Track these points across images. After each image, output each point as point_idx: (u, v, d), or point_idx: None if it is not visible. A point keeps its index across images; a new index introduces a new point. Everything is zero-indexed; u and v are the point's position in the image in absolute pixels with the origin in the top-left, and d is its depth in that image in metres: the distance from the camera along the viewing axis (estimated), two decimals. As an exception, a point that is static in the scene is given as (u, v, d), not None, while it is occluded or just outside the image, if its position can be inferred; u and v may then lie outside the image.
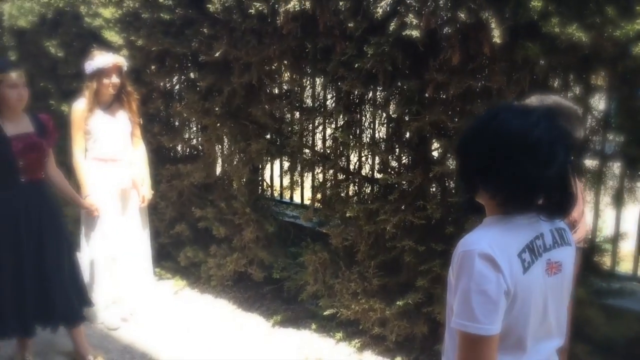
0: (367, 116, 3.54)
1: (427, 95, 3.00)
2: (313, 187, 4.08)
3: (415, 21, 2.74)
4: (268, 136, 3.92)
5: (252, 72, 3.61)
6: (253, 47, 3.48)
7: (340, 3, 2.98)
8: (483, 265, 1.29)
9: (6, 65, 3.06)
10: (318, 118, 3.86)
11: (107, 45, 3.99)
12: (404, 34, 2.77)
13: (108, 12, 4.11)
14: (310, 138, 3.93)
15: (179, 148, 4.68)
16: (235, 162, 4.07)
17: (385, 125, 3.45)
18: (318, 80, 3.87)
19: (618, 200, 2.80)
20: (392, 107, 3.27)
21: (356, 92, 3.41)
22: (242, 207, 4.00)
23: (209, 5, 3.48)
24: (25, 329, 3.16)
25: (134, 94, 3.79)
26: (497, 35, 2.54)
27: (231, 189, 4.16)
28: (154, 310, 4.05)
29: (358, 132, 3.52)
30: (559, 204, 1.37)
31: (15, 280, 3.06)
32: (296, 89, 3.93)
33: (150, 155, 4.08)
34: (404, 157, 3.35)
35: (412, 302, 3.20)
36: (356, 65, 3.03)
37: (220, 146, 4.33)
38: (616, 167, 2.80)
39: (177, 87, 4.52)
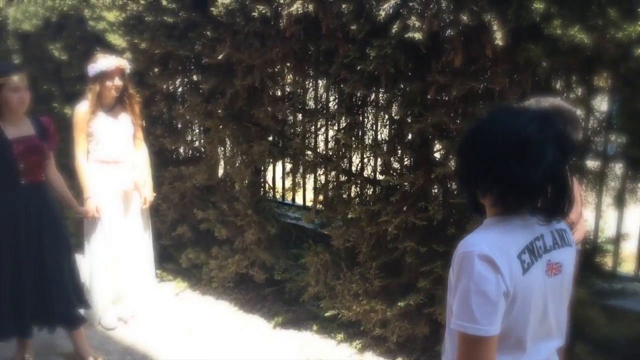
0: (370, 118, 3.56)
1: (429, 97, 3.01)
2: (315, 188, 4.09)
3: (417, 24, 2.76)
4: (270, 138, 3.94)
5: (254, 74, 3.63)
6: (256, 50, 3.50)
7: (343, 6, 3.00)
8: (482, 267, 1.30)
9: (8, 69, 3.07)
10: (320, 120, 3.87)
11: (111, 49, 4.01)
12: (406, 36, 2.79)
13: (112, 16, 4.13)
14: (313, 140, 3.95)
15: (182, 150, 4.70)
16: (237, 164, 4.08)
17: (387, 127, 3.47)
18: (320, 83, 3.89)
19: (620, 201, 2.81)
20: (394, 109, 3.28)
21: (358, 94, 3.42)
22: (244, 208, 4.01)
23: (212, 9, 3.50)
24: (22, 330, 3.17)
25: (136, 96, 3.80)
26: (499, 38, 2.56)
27: (233, 191, 4.17)
28: (155, 311, 4.05)
29: (360, 133, 3.54)
30: (554, 205, 1.37)
31: (14, 282, 3.07)
32: (299, 91, 3.95)
33: (153, 158, 4.10)
34: (406, 159, 3.36)
35: (414, 303, 3.21)
36: (359, 68, 3.05)
37: (222, 148, 4.34)
38: (618, 168, 2.81)
39: (180, 89, 4.54)
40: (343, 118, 3.55)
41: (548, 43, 2.52)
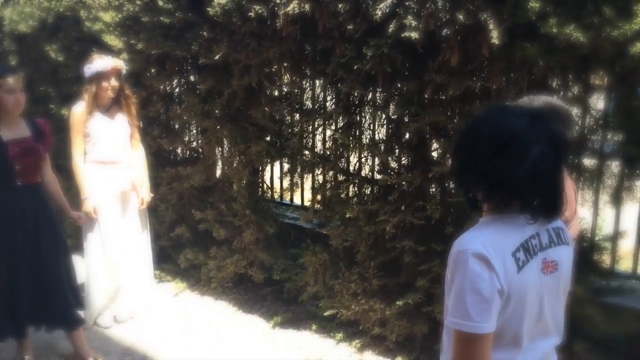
0: (367, 117, 3.56)
1: (426, 96, 3.02)
2: (313, 188, 4.09)
3: (414, 23, 2.76)
4: (268, 138, 3.94)
5: (251, 74, 3.62)
6: (253, 50, 3.50)
7: (340, 5, 3.00)
8: (477, 265, 1.30)
9: (4, 70, 3.07)
10: (318, 120, 3.88)
11: (107, 49, 4.01)
12: (403, 35, 2.79)
13: (108, 16, 4.13)
14: (310, 140, 3.95)
15: (179, 151, 4.70)
16: (235, 164, 4.08)
17: (384, 127, 3.47)
18: (317, 82, 3.89)
19: (617, 199, 2.81)
20: (391, 108, 3.29)
21: (356, 94, 3.43)
22: (242, 209, 4.01)
23: (209, 9, 3.49)
24: (17, 331, 3.18)
25: (133, 97, 3.80)
26: (495, 36, 2.56)
27: (231, 191, 4.17)
28: (154, 312, 4.05)
29: (358, 133, 3.54)
30: (544, 203, 1.37)
31: (10, 283, 3.07)
32: (296, 91, 3.95)
33: (151, 158, 4.10)
34: (403, 158, 3.37)
35: (412, 302, 3.21)
36: (355, 67, 3.05)
37: (220, 148, 4.34)
38: (615, 166, 2.81)
39: (177, 90, 4.53)
40: (340, 118, 3.55)
41: (544, 42, 2.52)
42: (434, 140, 3.23)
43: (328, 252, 3.61)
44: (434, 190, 3.29)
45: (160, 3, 3.77)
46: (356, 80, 3.14)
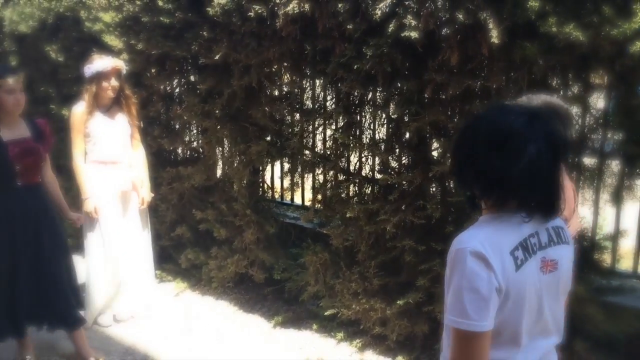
0: (367, 117, 3.56)
1: (426, 95, 3.02)
2: (313, 188, 4.10)
3: (413, 22, 2.76)
4: (268, 138, 3.94)
5: (251, 74, 3.63)
6: (253, 50, 3.50)
7: (339, 5, 3.00)
8: (475, 263, 1.31)
9: (4, 71, 3.07)
10: (318, 119, 3.88)
11: (108, 50, 4.01)
12: (402, 35, 2.79)
13: (108, 17, 4.13)
14: (311, 139, 3.95)
15: (180, 151, 4.70)
16: (235, 164, 4.09)
17: (384, 126, 3.47)
18: (318, 82, 3.89)
19: (617, 198, 2.81)
20: (391, 107, 3.29)
21: (356, 93, 3.43)
22: (242, 208, 4.01)
23: (209, 9, 3.49)
24: (17, 330, 3.19)
25: (133, 97, 3.81)
26: (495, 36, 2.56)
27: (232, 191, 4.17)
28: (155, 312, 4.06)
29: (358, 133, 3.54)
30: (541, 202, 1.37)
31: (10, 283, 3.08)
32: (296, 90, 3.95)
33: (151, 158, 4.10)
34: (403, 158, 3.37)
35: (413, 302, 3.21)
36: (355, 67, 3.05)
37: (220, 148, 4.35)
38: (615, 165, 2.81)
39: (177, 90, 4.54)
40: (340, 117, 3.55)
41: (544, 41, 2.52)
42: (434, 140, 3.23)
43: (329, 252, 3.61)
44: (434, 189, 3.29)
45: (160, 3, 3.78)
46: (356, 79, 3.14)
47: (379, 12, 2.85)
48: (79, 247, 3.93)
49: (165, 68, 4.18)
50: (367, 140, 3.55)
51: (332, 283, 3.58)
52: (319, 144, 3.98)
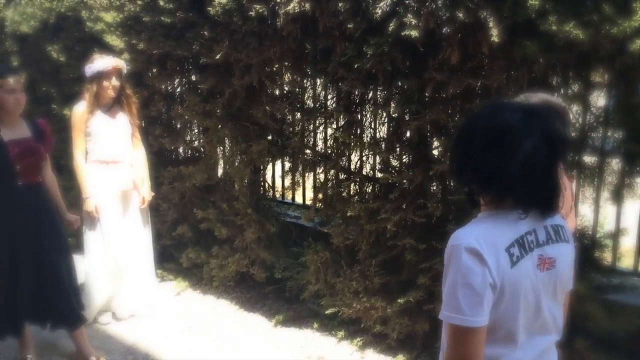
0: (368, 116, 3.57)
1: (426, 94, 3.02)
2: (314, 187, 4.10)
3: (414, 21, 2.76)
4: (269, 137, 3.95)
5: (252, 73, 3.63)
6: (253, 49, 3.51)
7: (340, 4, 3.01)
8: (469, 259, 1.32)
9: (4, 71, 3.08)
10: (319, 118, 3.88)
11: (109, 49, 4.02)
12: (403, 34, 2.80)
13: (109, 17, 4.14)
14: (311, 138, 3.96)
15: (181, 150, 4.71)
16: (236, 164, 4.10)
17: (385, 125, 3.47)
18: (318, 81, 3.90)
19: (617, 196, 2.82)
20: (392, 106, 3.29)
21: (356, 92, 3.43)
22: (243, 208, 4.02)
23: (210, 8, 3.50)
24: (16, 329, 3.20)
25: (134, 96, 3.82)
26: (495, 34, 2.57)
27: (233, 190, 4.18)
28: (156, 311, 4.07)
29: (359, 131, 3.54)
30: (538, 199, 1.37)
31: (11, 283, 3.09)
32: (297, 90, 3.96)
33: (152, 158, 4.11)
34: (404, 156, 3.37)
35: (414, 300, 3.22)
36: (356, 66, 3.06)
37: (221, 148, 4.36)
38: (615, 163, 2.82)
39: (178, 89, 4.55)
40: (341, 116, 3.56)
41: (544, 39, 2.52)
42: (434, 139, 3.24)
43: (329, 251, 3.62)
44: (434, 188, 3.29)
45: (161, 3, 3.78)
46: (357, 78, 3.14)
47: (379, 11, 2.86)
48: (79, 247, 3.93)
49: (167, 68, 4.19)
50: (368, 139, 3.56)
51: (333, 282, 3.58)
52: (320, 143, 3.98)
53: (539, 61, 2.61)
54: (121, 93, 3.70)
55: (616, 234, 2.97)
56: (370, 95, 3.43)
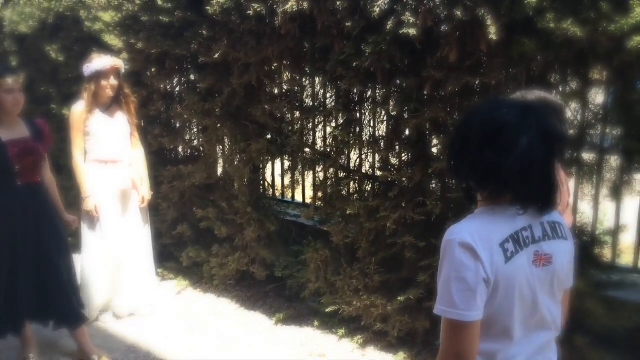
0: (367, 114, 3.57)
1: (425, 92, 3.03)
2: (314, 185, 4.11)
3: (412, 19, 2.77)
4: (268, 136, 3.95)
5: (251, 72, 3.64)
6: (252, 48, 3.51)
7: (338, 3, 3.01)
8: (463, 254, 1.33)
9: (3, 71, 3.08)
10: (318, 117, 3.89)
11: (108, 49, 4.02)
12: (401, 32, 2.80)
13: (108, 16, 4.14)
14: (311, 137, 3.96)
15: (180, 149, 4.71)
16: (236, 163, 4.10)
17: (384, 123, 3.48)
18: (317, 80, 3.90)
19: (616, 193, 2.82)
20: (391, 104, 3.30)
21: (355, 91, 3.44)
22: (243, 206, 4.02)
23: (208, 8, 3.50)
24: (15, 328, 3.21)
25: (132, 95, 3.82)
26: (493, 32, 2.57)
27: (232, 189, 4.18)
28: (157, 310, 4.08)
29: (358, 130, 3.55)
30: (534, 195, 1.37)
31: (11, 282, 3.09)
32: (295, 88, 3.96)
33: (152, 157, 4.11)
34: (403, 154, 3.38)
35: (414, 298, 3.22)
36: (354, 64, 3.06)
37: (221, 147, 4.36)
38: (614, 160, 2.82)
39: (177, 89, 4.55)
40: (340, 115, 3.56)
41: (542, 37, 2.53)
42: (433, 136, 3.24)
43: (329, 249, 3.63)
44: (434, 186, 3.30)
45: (160, 2, 3.79)
46: (355, 77, 3.14)
47: (377, 10, 2.86)
48: (79, 246, 3.94)
49: (165, 67, 4.19)
50: (367, 137, 3.56)
51: (333, 280, 3.59)
52: (319, 142, 3.99)
53: (537, 59, 2.62)
54: (120, 92, 3.70)
55: (616, 231, 2.97)
56: (369, 93, 3.43)
